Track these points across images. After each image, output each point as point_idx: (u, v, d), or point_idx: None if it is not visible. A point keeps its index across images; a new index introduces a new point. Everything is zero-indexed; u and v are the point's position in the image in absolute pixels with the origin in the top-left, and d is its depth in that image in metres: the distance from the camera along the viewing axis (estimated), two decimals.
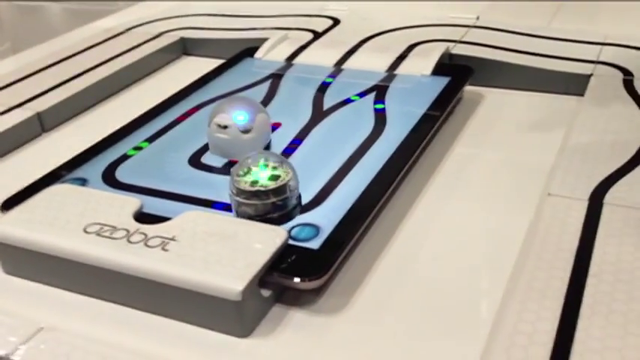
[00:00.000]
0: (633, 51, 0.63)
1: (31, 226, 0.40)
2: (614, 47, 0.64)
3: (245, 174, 0.41)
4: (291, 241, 0.39)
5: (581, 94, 0.58)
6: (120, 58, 0.69)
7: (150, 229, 0.39)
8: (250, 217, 0.41)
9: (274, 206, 0.41)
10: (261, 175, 0.41)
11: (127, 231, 0.39)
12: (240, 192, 0.41)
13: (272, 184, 0.41)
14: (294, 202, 0.42)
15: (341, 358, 0.35)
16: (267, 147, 0.50)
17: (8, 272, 0.41)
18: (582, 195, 0.42)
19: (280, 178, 0.41)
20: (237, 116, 0.47)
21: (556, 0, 0.81)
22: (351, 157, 0.48)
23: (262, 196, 0.40)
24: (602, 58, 0.62)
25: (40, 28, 1.35)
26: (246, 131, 0.47)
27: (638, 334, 0.32)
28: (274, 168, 0.42)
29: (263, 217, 0.40)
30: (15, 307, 0.39)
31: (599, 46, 0.64)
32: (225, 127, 0.47)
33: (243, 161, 0.42)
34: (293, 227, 0.40)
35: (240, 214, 0.41)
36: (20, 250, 0.40)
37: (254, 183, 0.41)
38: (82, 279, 0.39)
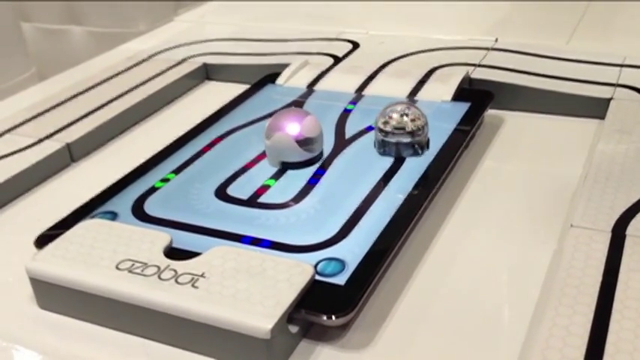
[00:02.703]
0: None
1: (65, 263, 0.41)
2: (633, 69, 0.64)
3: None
4: (317, 277, 0.40)
5: (602, 118, 0.58)
6: (144, 85, 0.70)
7: (180, 265, 0.40)
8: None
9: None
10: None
11: (158, 267, 0.40)
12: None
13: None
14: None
15: None
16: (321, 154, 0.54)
17: (43, 307, 0.43)
18: (605, 227, 0.42)
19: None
20: (290, 126, 0.52)
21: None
22: (374, 187, 0.49)
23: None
24: (621, 81, 0.62)
25: (64, 51, 1.38)
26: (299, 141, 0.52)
27: None
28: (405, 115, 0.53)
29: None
30: (49, 342, 0.40)
31: (618, 68, 0.65)
32: (280, 134, 0.52)
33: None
34: (319, 262, 0.41)
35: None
36: (55, 286, 0.41)
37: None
38: (114, 315, 0.40)
